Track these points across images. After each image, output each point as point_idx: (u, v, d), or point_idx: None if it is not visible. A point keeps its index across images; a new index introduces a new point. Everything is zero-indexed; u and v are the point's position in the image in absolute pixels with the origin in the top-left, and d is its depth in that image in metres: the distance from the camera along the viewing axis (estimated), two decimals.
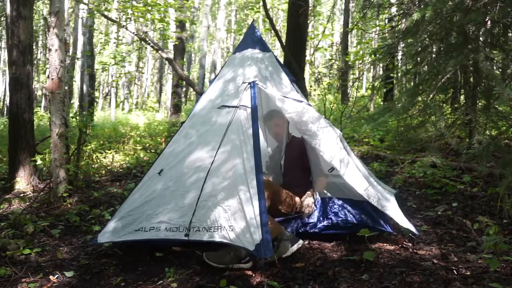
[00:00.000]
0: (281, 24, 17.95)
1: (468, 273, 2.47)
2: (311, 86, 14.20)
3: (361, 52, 9.47)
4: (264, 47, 3.68)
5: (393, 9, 7.02)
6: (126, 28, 8.36)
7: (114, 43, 12.26)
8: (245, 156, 2.91)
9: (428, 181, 4.54)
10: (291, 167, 3.57)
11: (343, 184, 3.22)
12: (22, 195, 4.75)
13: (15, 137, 5.09)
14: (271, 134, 3.80)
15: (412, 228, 3.01)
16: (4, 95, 22.22)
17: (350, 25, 12.52)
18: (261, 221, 2.58)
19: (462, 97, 5.16)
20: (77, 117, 5.11)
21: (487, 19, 3.34)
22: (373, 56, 7.17)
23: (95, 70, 13.09)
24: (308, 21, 7.67)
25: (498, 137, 3.84)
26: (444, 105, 4.54)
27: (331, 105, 8.00)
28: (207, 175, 2.94)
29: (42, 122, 13.12)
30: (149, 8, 8.21)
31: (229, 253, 2.69)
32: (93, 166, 6.30)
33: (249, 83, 3.30)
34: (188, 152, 3.17)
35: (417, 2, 4.10)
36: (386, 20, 8.60)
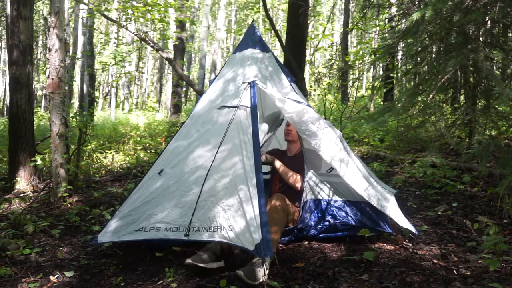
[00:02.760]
0: (281, 24, 17.95)
1: (468, 273, 2.47)
2: (311, 86, 14.20)
3: (361, 52, 9.47)
4: (264, 47, 3.68)
5: (393, 9, 7.02)
6: (126, 28, 8.36)
7: (114, 43, 12.26)
8: (245, 155, 2.91)
9: (428, 181, 4.55)
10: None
11: (342, 185, 3.21)
12: (22, 195, 4.75)
13: (15, 137, 5.10)
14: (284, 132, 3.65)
15: (412, 228, 3.01)
16: (4, 95, 22.22)
17: (350, 25, 12.52)
18: (261, 220, 2.58)
19: (462, 97, 5.16)
20: (77, 117, 5.12)
21: (487, 19, 3.33)
22: (373, 56, 7.17)
23: (95, 70, 13.08)
24: (308, 21, 7.68)
25: (498, 137, 3.84)
26: (444, 105, 4.54)
27: (331, 105, 8.00)
28: (207, 175, 2.94)
29: (42, 122, 13.12)
30: (149, 8, 8.21)
31: (260, 267, 2.56)
32: (93, 166, 6.30)
33: (249, 83, 3.30)
34: (188, 152, 3.17)
35: (417, 2, 4.10)
36: (386, 20, 8.61)
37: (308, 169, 3.30)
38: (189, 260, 2.63)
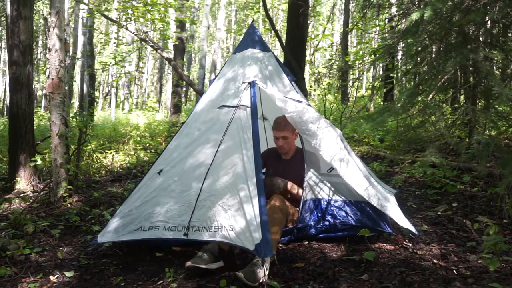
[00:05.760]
0: (281, 24, 17.95)
1: (468, 273, 2.47)
2: (311, 86, 14.20)
3: (361, 52, 9.48)
4: (264, 47, 3.68)
5: (393, 9, 7.03)
6: (126, 28, 8.36)
7: (114, 43, 12.27)
8: (245, 155, 2.91)
9: (428, 181, 4.55)
10: (294, 180, 3.40)
11: (342, 185, 3.21)
12: (22, 195, 4.75)
13: (15, 137, 5.10)
14: (274, 141, 3.50)
15: (412, 228, 3.02)
16: (4, 95, 22.23)
17: (350, 25, 12.52)
18: (261, 220, 2.57)
19: (462, 97, 5.16)
20: (77, 117, 5.11)
21: (486, 19, 3.33)
22: (373, 56, 7.17)
23: (95, 70, 13.09)
24: (308, 21, 7.68)
25: (498, 137, 3.84)
26: (444, 105, 4.54)
27: (331, 105, 8.01)
28: (206, 175, 2.94)
29: (42, 122, 13.12)
30: (149, 8, 8.21)
31: (260, 267, 2.55)
32: (93, 166, 6.30)
33: (249, 83, 3.30)
34: (189, 151, 3.17)
35: (417, 2, 4.10)
36: (386, 20, 8.61)
37: (308, 168, 3.30)
38: (189, 263, 2.62)
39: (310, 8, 7.35)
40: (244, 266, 2.56)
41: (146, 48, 18.50)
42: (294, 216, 3.23)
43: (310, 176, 3.28)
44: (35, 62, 22.44)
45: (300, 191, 3.28)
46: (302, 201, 3.23)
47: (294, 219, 3.22)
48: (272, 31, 8.02)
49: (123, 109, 19.93)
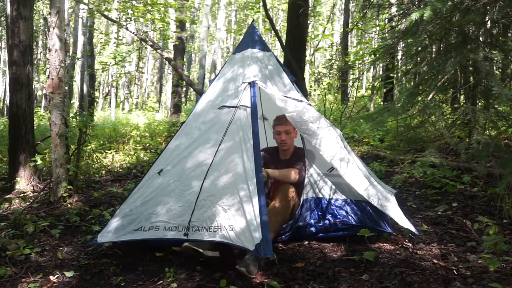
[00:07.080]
0: (281, 24, 17.95)
1: (468, 273, 2.47)
2: (311, 86, 14.20)
3: (361, 52, 9.48)
4: (264, 47, 3.68)
5: (393, 9, 7.03)
6: (126, 28, 8.36)
7: (114, 43, 12.28)
8: (245, 155, 2.91)
9: (428, 181, 4.55)
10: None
11: (343, 184, 3.21)
12: (22, 195, 4.75)
13: (15, 137, 5.10)
14: (275, 138, 3.52)
15: (412, 228, 3.02)
16: (4, 95, 22.22)
17: (350, 25, 12.52)
18: (261, 220, 2.57)
19: (462, 97, 5.16)
20: (77, 117, 5.11)
21: (486, 19, 3.34)
22: (373, 56, 7.17)
23: (95, 70, 13.09)
24: (308, 21, 7.68)
25: (497, 137, 3.84)
26: (444, 105, 4.54)
27: (331, 105, 8.01)
28: (206, 175, 2.94)
29: (42, 122, 13.12)
30: (149, 8, 8.21)
31: (256, 260, 2.63)
32: (93, 166, 6.30)
33: (249, 83, 3.30)
34: (188, 152, 3.17)
35: (416, 2, 4.10)
36: (386, 20, 8.62)
37: (309, 166, 3.31)
38: (187, 244, 2.70)
39: (310, 8, 7.35)
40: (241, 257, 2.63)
41: (146, 48, 18.51)
42: (294, 209, 3.22)
43: (311, 174, 3.28)
44: (35, 62, 22.44)
45: (297, 175, 3.24)
46: (302, 198, 3.23)
47: (294, 211, 3.23)
48: (272, 31, 8.02)
49: (123, 109, 19.92)
